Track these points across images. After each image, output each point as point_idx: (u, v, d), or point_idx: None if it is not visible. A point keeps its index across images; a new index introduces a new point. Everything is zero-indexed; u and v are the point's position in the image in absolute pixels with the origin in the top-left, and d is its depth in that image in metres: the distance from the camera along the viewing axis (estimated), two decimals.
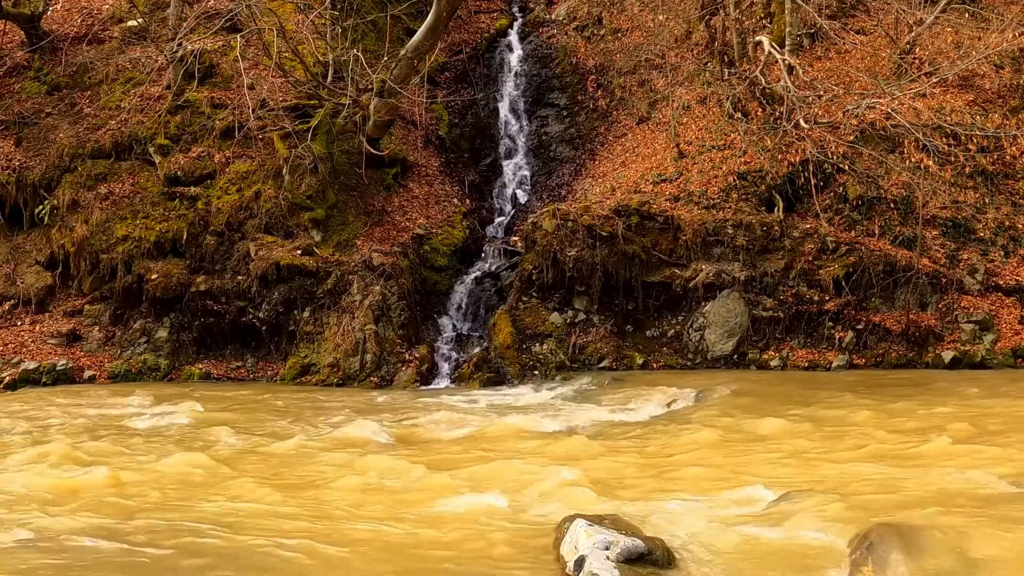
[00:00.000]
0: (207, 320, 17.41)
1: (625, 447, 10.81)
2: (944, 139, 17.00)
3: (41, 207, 18.88)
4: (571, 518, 7.10)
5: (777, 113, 16.62)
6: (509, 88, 23.06)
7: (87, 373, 16.87)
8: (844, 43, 19.42)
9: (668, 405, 13.46)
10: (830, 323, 16.59)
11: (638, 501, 8.30)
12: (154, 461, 10.32)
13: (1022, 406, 12.01)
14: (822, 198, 17.25)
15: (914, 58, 18.44)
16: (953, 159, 16.90)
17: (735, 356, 16.67)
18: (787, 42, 18.00)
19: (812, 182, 17.03)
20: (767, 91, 17.01)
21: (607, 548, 6.39)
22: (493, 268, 18.92)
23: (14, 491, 9.05)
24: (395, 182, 19.74)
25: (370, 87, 18.30)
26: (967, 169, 17.46)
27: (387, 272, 17.14)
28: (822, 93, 16.60)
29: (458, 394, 15.21)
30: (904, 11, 18.86)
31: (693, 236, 17.12)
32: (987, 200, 18.00)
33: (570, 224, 17.15)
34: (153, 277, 17.59)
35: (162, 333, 17.47)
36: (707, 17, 18.85)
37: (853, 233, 17.32)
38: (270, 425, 12.61)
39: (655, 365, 16.71)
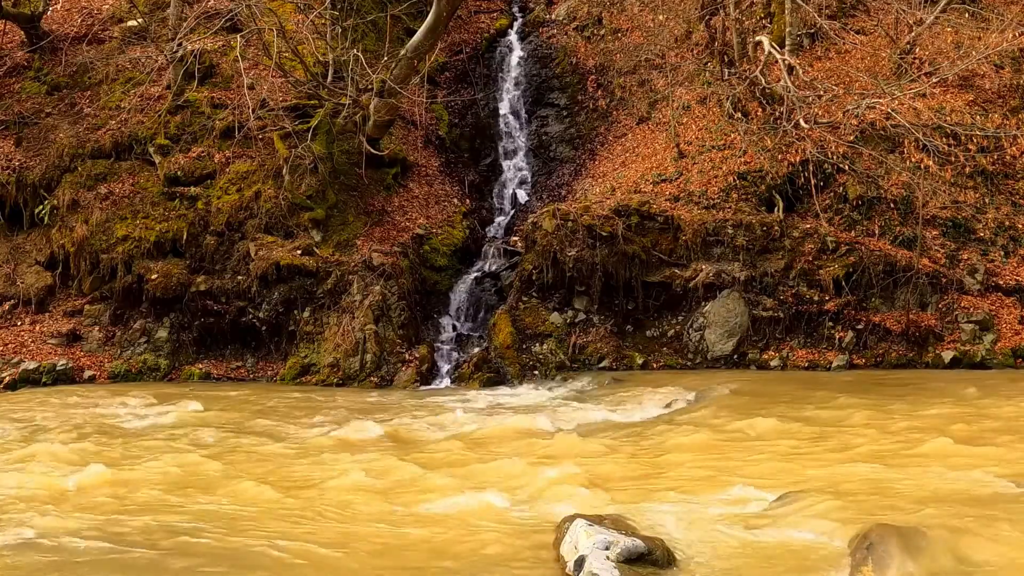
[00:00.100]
0: (207, 320, 17.42)
1: (625, 447, 10.80)
2: (944, 139, 17.00)
3: (41, 207, 18.88)
4: (571, 518, 7.10)
5: (777, 113, 16.62)
6: (509, 88, 23.06)
7: (87, 373, 16.87)
8: (844, 43, 19.42)
9: (668, 405, 13.45)
10: (830, 323, 16.59)
11: (638, 501, 8.30)
12: (151, 461, 10.32)
13: (1022, 406, 12.00)
14: (822, 198, 17.25)
15: (914, 58, 18.44)
16: (953, 159, 16.90)
17: (735, 356, 16.67)
18: (787, 42, 18.00)
19: (812, 182, 17.03)
20: (767, 91, 17.01)
21: (607, 548, 6.39)
22: (493, 268, 18.92)
23: (9, 491, 9.05)
24: (395, 182, 19.74)
25: (370, 87, 18.30)
26: (967, 169, 17.46)
27: (387, 272, 17.14)
28: (822, 93, 16.60)
29: (458, 394, 15.21)
30: (904, 11, 18.86)
31: (693, 236, 17.12)
32: (987, 200, 18.01)
33: (570, 224, 17.15)
34: (153, 277, 17.60)
35: (162, 333, 17.47)
36: (707, 17, 18.85)
37: (853, 233, 17.32)
38: (269, 425, 12.60)
39: (655, 365, 16.72)
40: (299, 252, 17.44)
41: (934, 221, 17.48)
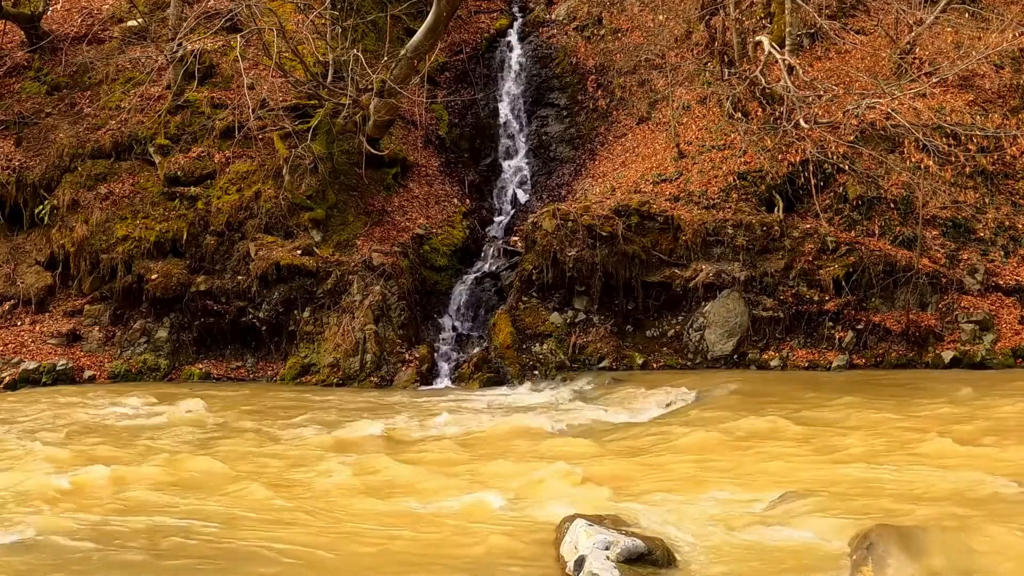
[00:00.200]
0: (207, 320, 17.42)
1: (625, 447, 10.80)
2: (944, 139, 17.00)
3: (41, 207, 18.89)
4: (571, 518, 7.10)
5: (777, 113, 16.62)
6: (509, 88, 23.06)
7: (87, 373, 16.88)
8: (844, 43, 19.41)
9: (668, 405, 13.45)
10: (830, 323, 16.59)
11: (638, 501, 8.30)
12: (150, 461, 10.32)
13: (1022, 406, 12.00)
14: (822, 198, 17.25)
15: (914, 58, 18.44)
16: (953, 159, 16.90)
17: (735, 356, 16.67)
18: (787, 42, 18.00)
19: (812, 182, 17.03)
20: (767, 91, 17.01)
21: (607, 548, 6.39)
22: (493, 268, 18.92)
23: (6, 491, 9.04)
24: (395, 182, 19.74)
25: (370, 87, 18.30)
26: (967, 169, 17.46)
27: (387, 272, 17.14)
28: (822, 93, 16.60)
29: (458, 394, 15.22)
30: (904, 11, 18.86)
31: (693, 236, 17.12)
32: (987, 200, 18.00)
33: (570, 224, 17.15)
34: (153, 277, 17.60)
35: (162, 333, 17.47)
36: (707, 17, 18.85)
37: (853, 233, 17.31)
38: (267, 425, 12.60)
39: (655, 365, 16.71)
40: (299, 252, 17.44)
41: (934, 221, 17.48)
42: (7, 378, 16.14)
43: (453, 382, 16.25)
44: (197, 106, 19.34)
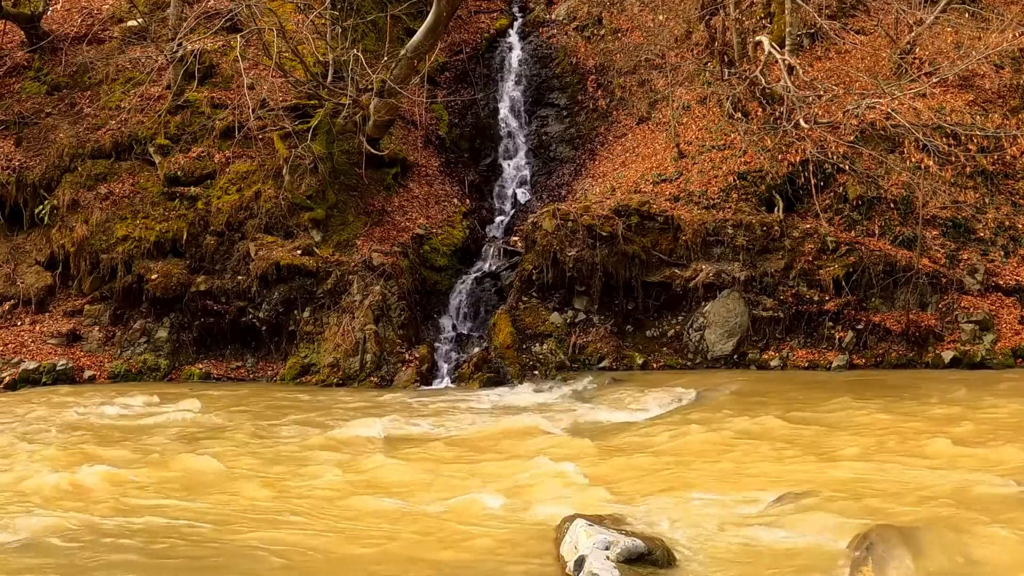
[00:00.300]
0: (207, 320, 17.42)
1: (625, 447, 10.81)
2: (944, 139, 16.99)
3: (41, 207, 18.88)
4: (571, 518, 7.10)
5: (777, 113, 16.62)
6: (509, 88, 23.06)
7: (87, 373, 16.88)
8: (844, 43, 19.41)
9: (668, 405, 13.44)
10: (830, 323, 16.59)
11: (638, 501, 8.30)
12: (148, 461, 10.33)
13: (1022, 406, 12.00)
14: (822, 198, 17.25)
15: (914, 58, 18.44)
16: (953, 159, 16.90)
17: (735, 356, 16.67)
18: (787, 42, 18.00)
19: (812, 182, 17.03)
20: (767, 91, 17.01)
21: (607, 548, 6.39)
22: (493, 268, 18.92)
23: (4, 491, 9.05)
24: (395, 182, 19.74)
25: (370, 87, 18.30)
26: (967, 169, 17.46)
27: (387, 272, 17.14)
28: (822, 93, 16.60)
29: (458, 394, 15.21)
30: (904, 11, 18.86)
31: (693, 236, 17.12)
32: (987, 200, 18.00)
33: (570, 224, 17.15)
34: (153, 277, 17.60)
35: (162, 333, 17.47)
36: (707, 17, 18.85)
37: (853, 233, 17.31)
38: (266, 425, 12.60)
39: (655, 365, 16.71)
40: (299, 252, 17.44)
41: (934, 221, 17.48)
42: (7, 378, 16.14)
43: (453, 382, 16.25)
44: (197, 106, 19.33)
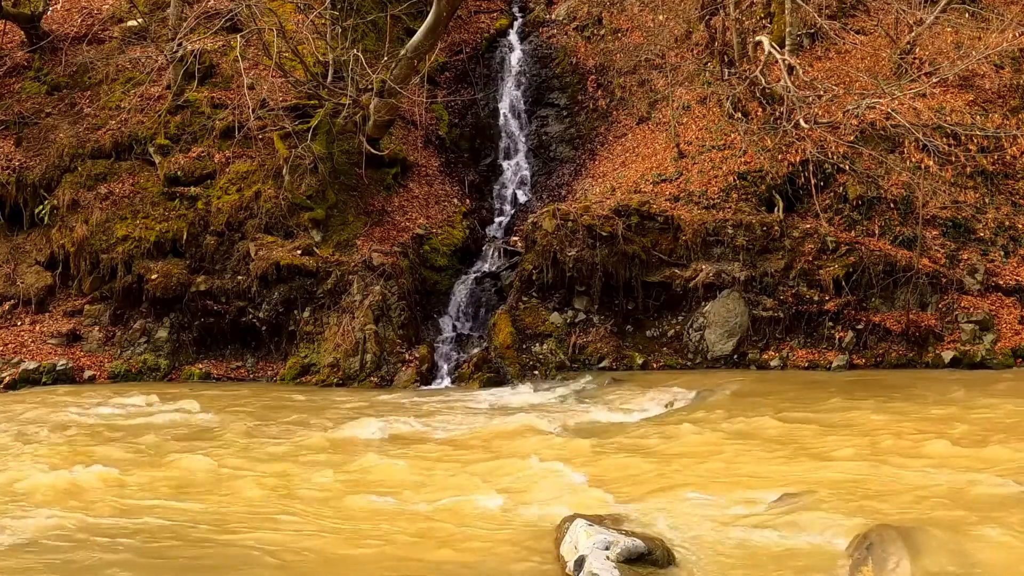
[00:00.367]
0: (207, 320, 17.41)
1: (625, 447, 10.80)
2: (944, 139, 16.99)
3: (41, 207, 18.88)
4: (571, 518, 7.10)
5: (777, 113, 16.62)
6: (509, 88, 23.06)
7: (87, 373, 16.87)
8: (844, 43, 19.41)
9: (668, 405, 13.45)
10: (830, 323, 16.58)
11: (638, 501, 8.30)
12: (147, 461, 10.32)
13: (1021, 406, 12.00)
14: (822, 198, 17.25)
15: (914, 58, 18.43)
16: (953, 159, 16.89)
17: (735, 356, 16.66)
18: (787, 42, 17.99)
19: (812, 182, 17.03)
20: (767, 91, 17.01)
21: (607, 548, 6.38)
22: (493, 268, 18.92)
23: (2, 491, 9.04)
24: (395, 182, 19.74)
25: (370, 87, 18.30)
26: (967, 169, 17.45)
27: (387, 272, 17.14)
28: (822, 93, 16.59)
29: (458, 394, 15.21)
30: (904, 11, 18.86)
31: (693, 236, 17.12)
32: (987, 200, 18.00)
33: (570, 224, 17.15)
34: (153, 277, 17.60)
35: (162, 333, 17.47)
36: (707, 17, 18.85)
37: (853, 233, 17.31)
38: (265, 425, 12.60)
39: (655, 365, 16.71)
40: (299, 252, 17.44)
41: (934, 221, 17.48)
42: (7, 378, 16.14)
43: (453, 382, 16.25)
44: (197, 106, 19.33)
